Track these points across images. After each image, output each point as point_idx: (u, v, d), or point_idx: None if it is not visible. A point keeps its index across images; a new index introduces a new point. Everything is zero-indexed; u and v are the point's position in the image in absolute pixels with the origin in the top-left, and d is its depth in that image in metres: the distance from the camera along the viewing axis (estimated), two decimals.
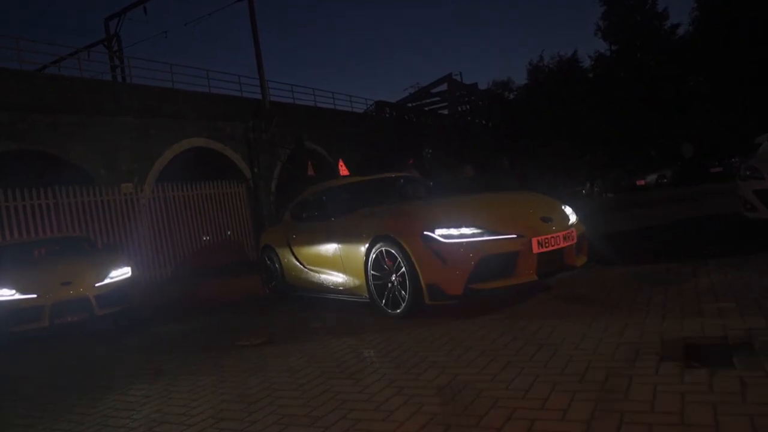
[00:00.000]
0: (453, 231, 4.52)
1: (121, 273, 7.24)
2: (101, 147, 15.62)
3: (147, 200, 13.09)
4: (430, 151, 23.34)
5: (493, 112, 30.97)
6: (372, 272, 5.01)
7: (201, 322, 6.37)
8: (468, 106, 34.17)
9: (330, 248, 5.65)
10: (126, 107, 16.27)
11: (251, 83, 21.14)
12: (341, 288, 5.55)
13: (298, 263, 6.32)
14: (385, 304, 4.92)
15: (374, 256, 4.96)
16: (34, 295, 6.51)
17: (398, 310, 4.78)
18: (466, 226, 4.54)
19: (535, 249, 4.52)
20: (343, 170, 19.32)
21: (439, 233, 4.52)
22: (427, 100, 34.95)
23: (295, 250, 6.40)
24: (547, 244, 4.59)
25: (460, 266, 4.44)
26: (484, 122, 33.49)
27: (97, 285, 6.89)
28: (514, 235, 4.54)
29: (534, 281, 4.56)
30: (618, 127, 21.10)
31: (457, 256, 4.45)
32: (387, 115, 30.18)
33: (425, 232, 4.56)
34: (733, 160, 19.24)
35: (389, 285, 4.88)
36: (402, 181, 6.54)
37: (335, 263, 5.58)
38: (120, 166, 15.82)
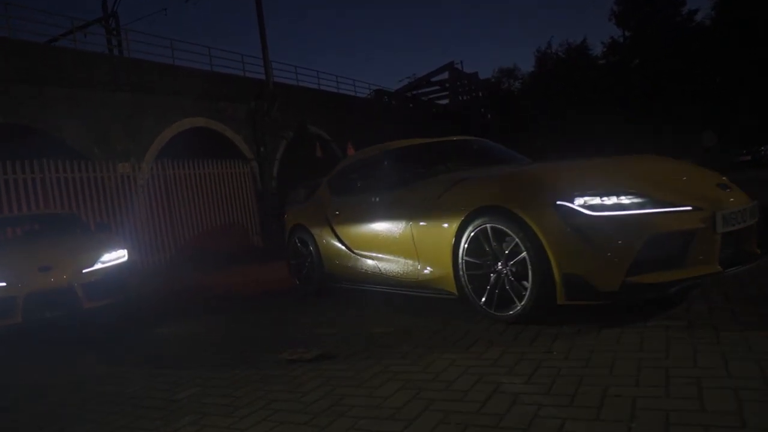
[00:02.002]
0: (605, 199, 2.99)
1: (115, 257, 5.62)
2: (95, 124, 13.85)
3: (145, 180, 11.41)
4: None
5: (492, 104, 29.44)
6: (466, 259, 3.47)
7: (217, 322, 4.78)
8: (467, 96, 32.60)
9: (394, 227, 4.10)
10: (122, 83, 14.50)
11: (254, 63, 19.42)
12: (411, 280, 3.99)
13: (343, 247, 4.75)
14: (485, 303, 3.38)
15: (471, 236, 3.42)
16: (3, 284, 4.88)
17: (509, 312, 3.25)
18: (624, 194, 3.01)
19: (720, 227, 3.01)
20: (351, 152, 17.82)
21: (583, 203, 2.99)
22: (427, 89, 33.30)
23: (338, 230, 4.82)
24: (733, 222, 3.08)
25: (618, 250, 2.92)
26: (482, 111, 31.94)
27: (84, 271, 5.26)
28: (689, 207, 3.02)
29: (715, 274, 3.04)
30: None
31: (614, 235, 2.93)
32: (386, 101, 28.52)
33: (560, 202, 3.03)
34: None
35: (493, 277, 3.35)
36: (477, 144, 4.99)
37: (402, 247, 4.02)
38: (115, 145, 14.07)
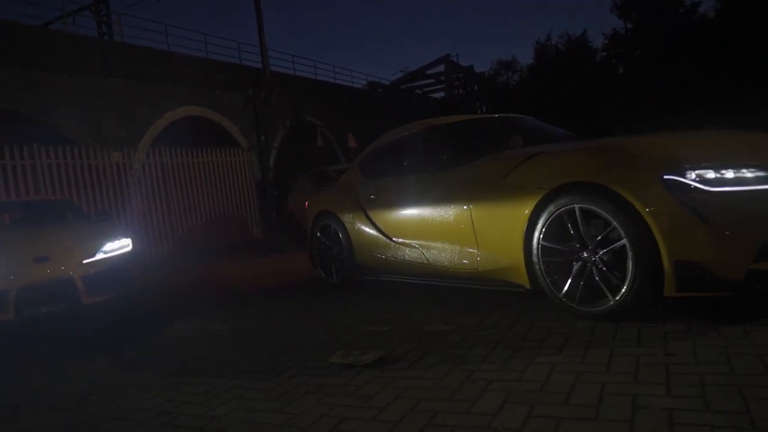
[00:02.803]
0: (723, 172, 2.49)
1: (118, 247, 5.04)
2: (87, 111, 13.17)
3: (140, 168, 10.75)
4: None
5: (489, 97, 28.87)
6: (543, 244, 2.96)
7: (240, 319, 4.22)
8: (462, 90, 32.01)
9: (446, 212, 3.57)
10: (115, 69, 13.81)
11: (250, 51, 18.78)
12: (468, 271, 3.46)
13: (380, 235, 4.21)
14: (566, 296, 2.87)
15: (551, 218, 2.90)
16: None
17: (599, 307, 2.74)
18: (745, 166, 2.51)
19: None
20: (353, 143, 17.20)
21: (696, 176, 2.49)
22: (422, 82, 32.66)
23: (374, 217, 4.28)
24: None
25: (744, 231, 2.42)
26: (478, 104, 31.35)
27: (85, 262, 4.68)
28: None
29: None
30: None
31: (739, 214, 2.44)
32: (380, 93, 27.88)
33: (668, 176, 2.53)
34: None
35: (577, 265, 2.84)
36: (524, 121, 4.46)
37: (458, 233, 3.49)
38: (108, 133, 13.41)
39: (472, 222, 3.36)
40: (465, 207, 3.40)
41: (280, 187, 15.74)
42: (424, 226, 3.77)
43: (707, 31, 17.58)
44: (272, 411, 2.20)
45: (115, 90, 13.85)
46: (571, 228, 2.85)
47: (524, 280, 3.12)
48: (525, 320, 2.99)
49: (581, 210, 2.78)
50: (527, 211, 3.01)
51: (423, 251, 3.80)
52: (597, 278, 2.76)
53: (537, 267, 3.00)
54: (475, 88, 32.18)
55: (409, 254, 3.93)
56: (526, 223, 3.03)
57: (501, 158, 3.38)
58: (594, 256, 2.78)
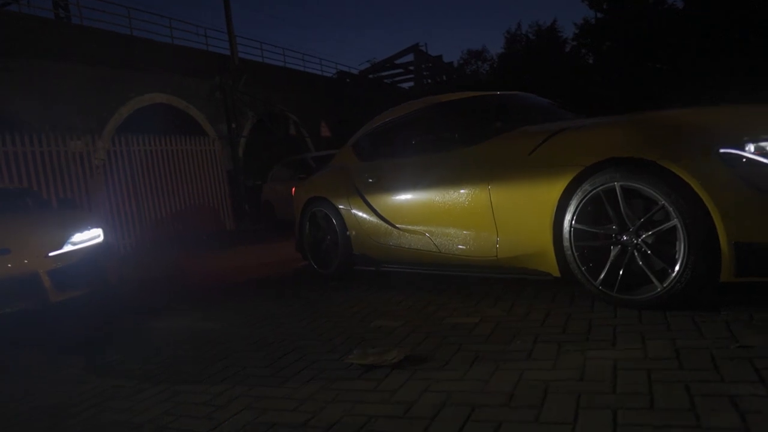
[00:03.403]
0: None
1: (89, 237, 4.56)
2: (47, 97, 12.39)
3: (104, 157, 10.09)
4: None
5: (459, 88, 28.65)
6: (575, 227, 2.67)
7: (233, 315, 3.81)
8: (430, 80, 31.75)
9: (460, 194, 3.24)
10: (75, 53, 13.02)
11: (218, 37, 18.07)
12: (486, 258, 3.15)
13: (381, 222, 3.87)
14: (603, 284, 2.60)
15: (586, 198, 2.62)
16: None
17: (643, 295, 2.48)
18: None
19: None
20: (326, 132, 16.76)
21: (756, 149, 2.24)
22: (391, 72, 32.24)
23: (374, 202, 3.94)
24: None
25: None
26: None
27: (51, 255, 4.21)
28: None
29: None
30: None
31: None
32: (348, 83, 27.37)
33: (724, 149, 2.26)
34: None
35: (615, 250, 2.57)
36: (530, 99, 4.17)
37: (474, 218, 3.18)
38: (69, 122, 12.65)
39: (491, 204, 3.05)
40: (483, 188, 3.08)
41: (252, 176, 15.20)
42: (432, 211, 3.45)
43: (675, 21, 17.78)
44: (295, 425, 1.84)
45: (76, 75, 13.07)
46: (609, 209, 2.57)
47: (552, 268, 2.84)
48: (557, 311, 2.71)
49: (623, 188, 2.50)
50: (558, 191, 2.71)
51: (431, 238, 3.48)
52: (640, 263, 2.49)
53: (569, 252, 2.72)
54: (444, 78, 31.99)
55: (416, 241, 3.61)
56: (556, 205, 2.74)
57: (523, 134, 3.08)
58: (636, 239, 2.51)
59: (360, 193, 4.04)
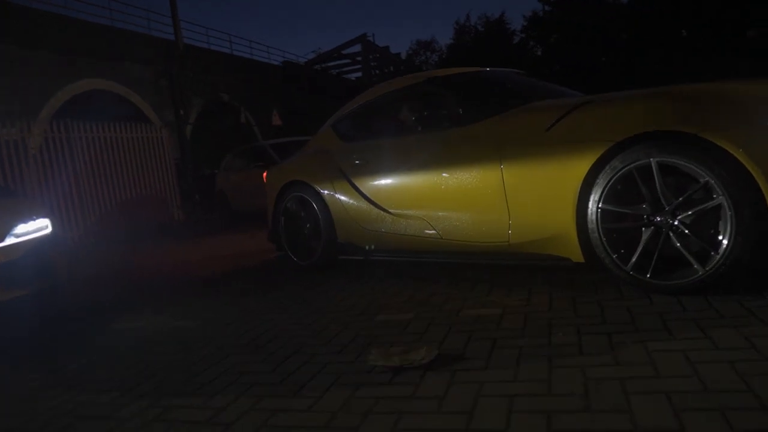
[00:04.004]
0: None
1: (34, 229, 3.98)
2: None
3: (38, 145, 9.20)
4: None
5: None
6: (602, 208, 2.44)
7: (208, 311, 3.37)
8: (378, 71, 31.38)
9: (466, 174, 2.94)
10: (7, 34, 11.88)
11: (160, 20, 17.07)
12: (496, 244, 2.86)
13: (371, 207, 3.53)
14: (635, 268, 2.38)
15: (616, 176, 2.38)
16: None
17: (683, 279, 2.27)
18: None
19: None
20: (278, 121, 16.14)
21: None
22: (338, 62, 31.65)
23: (362, 185, 3.59)
24: None
25: None
26: None
27: None
28: None
29: None
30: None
31: None
32: (294, 73, 26.65)
33: None
34: None
35: (648, 231, 2.35)
36: (523, 76, 3.92)
37: (483, 200, 2.89)
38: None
39: (504, 185, 2.78)
40: (494, 167, 2.80)
41: (203, 165, 14.43)
42: (432, 193, 3.14)
43: (620, 16, 18.25)
44: None
45: (6, 58, 11.94)
46: (642, 187, 2.35)
47: (573, 252, 2.60)
48: (583, 299, 2.47)
49: (659, 165, 2.28)
50: (583, 169, 2.47)
51: (431, 223, 3.18)
52: (678, 245, 2.28)
53: (595, 235, 2.48)
54: (392, 68, 31.70)
55: (412, 227, 3.30)
56: (580, 184, 2.49)
57: (537, 109, 2.83)
58: (673, 220, 2.30)
59: (346, 177, 3.69)
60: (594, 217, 2.47)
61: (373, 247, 3.60)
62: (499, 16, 25.88)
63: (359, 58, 31.17)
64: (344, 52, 30.89)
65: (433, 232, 3.18)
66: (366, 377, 1.93)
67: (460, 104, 3.14)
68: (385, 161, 3.46)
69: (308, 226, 4.02)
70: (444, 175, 3.07)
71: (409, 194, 3.30)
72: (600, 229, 2.47)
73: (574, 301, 2.45)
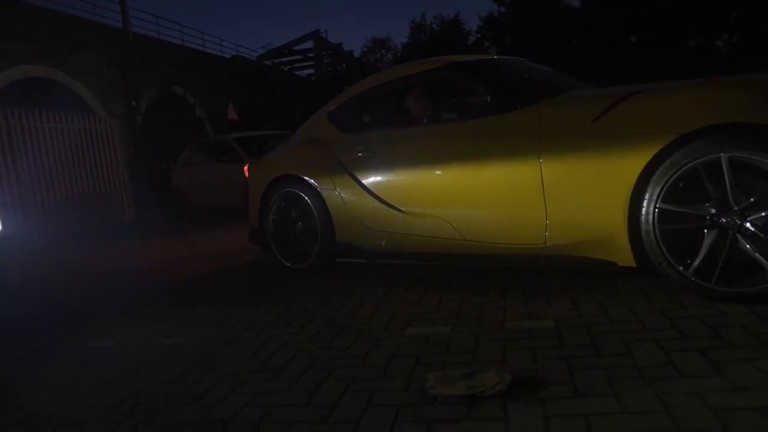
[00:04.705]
0: None
1: None
2: None
3: None
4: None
5: (362, 77, 27.99)
6: (661, 207, 2.19)
7: (194, 325, 2.91)
8: (331, 68, 30.80)
9: (498, 168, 2.62)
10: None
11: (107, 6, 16.00)
12: (531, 246, 2.56)
13: (380, 204, 3.15)
14: (697, 274, 2.14)
15: (677, 173, 2.14)
16: None
17: (757, 287, 2.05)
18: None
19: None
20: (234, 116, 15.38)
21: None
22: (289, 58, 30.85)
23: (369, 181, 3.21)
24: None
25: None
26: (347, 83, 30.49)
27: None
28: None
29: None
30: None
31: None
32: (245, 69, 25.76)
33: None
34: None
35: (712, 233, 2.12)
36: (534, 64, 3.65)
37: (516, 196, 2.59)
38: None
39: (542, 180, 2.49)
40: (531, 162, 2.51)
41: (157, 160, 13.55)
42: (454, 189, 2.82)
43: (574, 20, 18.60)
44: None
45: None
46: (709, 185, 2.11)
47: (621, 256, 2.34)
48: (642, 309, 2.20)
49: (731, 161, 2.04)
50: (639, 165, 2.21)
51: (451, 222, 2.85)
52: (748, 246, 2.06)
53: (650, 237, 2.23)
54: (344, 66, 31.21)
55: (428, 227, 2.96)
56: (635, 180, 2.24)
57: (579, 98, 2.57)
58: (743, 221, 2.07)
59: (348, 171, 3.31)
60: (650, 217, 2.22)
61: (380, 248, 3.24)
62: (454, 16, 26.05)
63: (311, 55, 30.55)
64: (296, 48, 30.19)
65: (454, 232, 2.85)
66: (433, 411, 1.59)
67: (489, 92, 2.81)
68: (396, 154, 3.10)
69: (300, 225, 3.61)
70: (468, 170, 2.76)
71: (425, 190, 2.96)
72: (657, 231, 2.22)
73: (632, 310, 2.19)
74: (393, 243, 3.17)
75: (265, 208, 3.80)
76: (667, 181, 2.17)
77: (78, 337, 2.89)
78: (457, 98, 2.94)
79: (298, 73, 31.87)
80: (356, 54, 31.41)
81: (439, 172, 2.89)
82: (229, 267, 4.44)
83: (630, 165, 2.24)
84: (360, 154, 3.28)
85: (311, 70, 30.93)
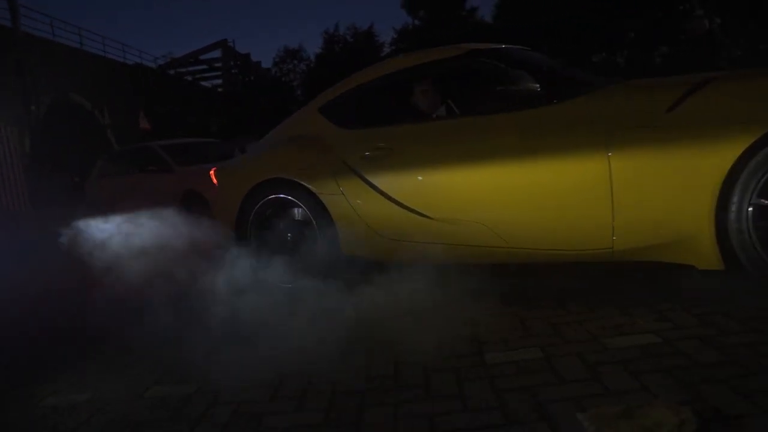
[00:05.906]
0: None
1: None
2: None
3: None
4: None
5: (274, 88, 26.97)
6: (756, 203, 1.97)
7: (192, 371, 2.30)
8: (241, 77, 29.42)
9: (555, 166, 2.27)
10: None
11: None
12: (593, 250, 2.24)
13: (402, 211, 2.66)
14: None
15: None
16: None
17: None
18: None
19: None
20: (145, 125, 13.99)
21: None
22: (195, 68, 29.13)
23: (385, 184, 2.73)
24: None
25: None
26: (257, 93, 29.22)
27: None
28: None
29: None
30: None
31: None
32: (146, 77, 23.95)
33: None
34: None
35: None
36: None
37: (578, 197, 2.25)
38: None
39: (610, 178, 2.18)
40: (598, 157, 2.19)
41: (67, 172, 11.89)
42: (499, 191, 2.44)
43: (486, 33, 19.11)
44: None
45: None
46: None
47: (705, 258, 2.09)
48: (747, 315, 1.95)
49: None
50: (730, 157, 1.97)
51: (494, 228, 2.46)
52: None
53: (744, 236, 1.99)
54: (252, 78, 29.99)
55: (464, 234, 2.55)
56: (724, 175, 1.99)
57: (647, 86, 2.30)
58: None
59: (356, 172, 2.82)
60: (745, 214, 1.98)
61: (396, 260, 2.78)
62: (368, 28, 25.92)
63: (218, 65, 29.10)
64: (202, 57, 28.61)
65: (495, 239, 2.47)
66: None
67: (538, 80, 2.44)
68: (421, 151, 2.67)
69: (297, 237, 3.07)
70: (516, 166, 2.39)
71: (459, 193, 2.56)
72: (751, 229, 1.98)
73: (741, 321, 1.92)
74: (414, 253, 2.72)
75: (247, 218, 3.20)
76: (763, 175, 1.94)
77: (20, 394, 2.15)
78: (499, 88, 2.56)
79: (204, 83, 30.25)
80: (267, 64, 30.32)
81: (475, 172, 2.50)
82: (195, 288, 3.74)
83: (719, 158, 2.00)
84: (369, 153, 2.81)
85: (218, 81, 29.45)
